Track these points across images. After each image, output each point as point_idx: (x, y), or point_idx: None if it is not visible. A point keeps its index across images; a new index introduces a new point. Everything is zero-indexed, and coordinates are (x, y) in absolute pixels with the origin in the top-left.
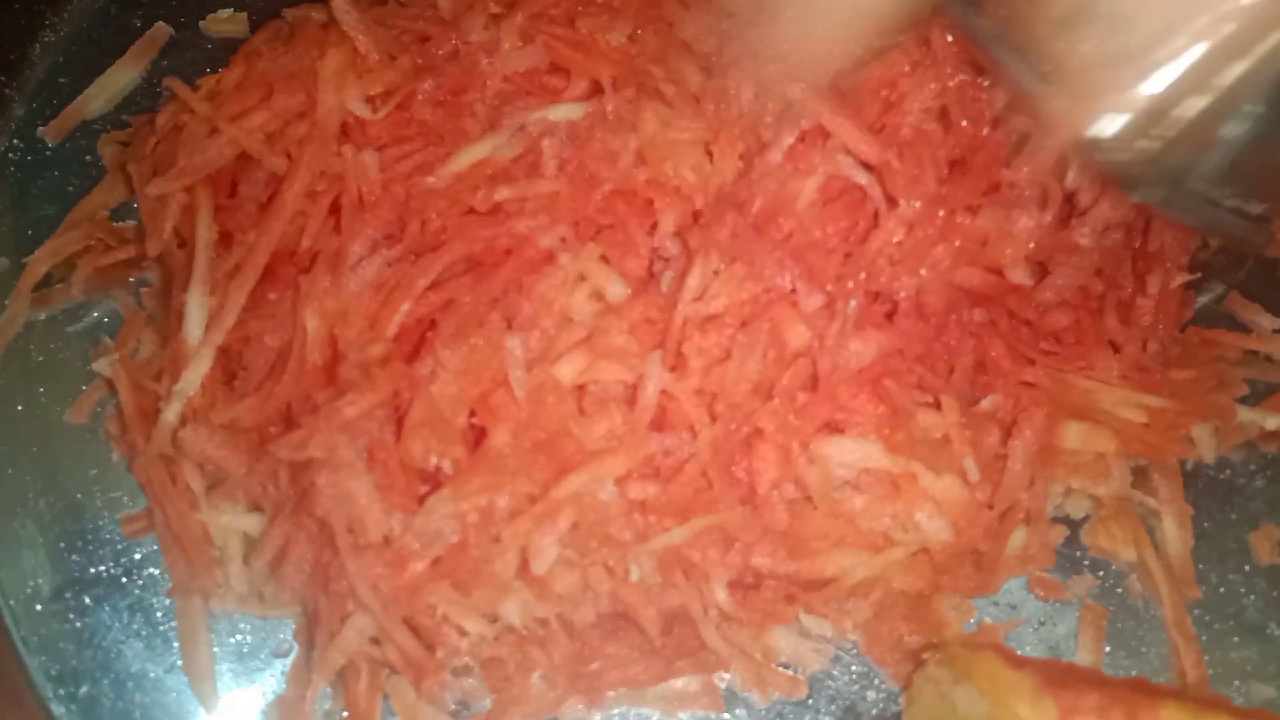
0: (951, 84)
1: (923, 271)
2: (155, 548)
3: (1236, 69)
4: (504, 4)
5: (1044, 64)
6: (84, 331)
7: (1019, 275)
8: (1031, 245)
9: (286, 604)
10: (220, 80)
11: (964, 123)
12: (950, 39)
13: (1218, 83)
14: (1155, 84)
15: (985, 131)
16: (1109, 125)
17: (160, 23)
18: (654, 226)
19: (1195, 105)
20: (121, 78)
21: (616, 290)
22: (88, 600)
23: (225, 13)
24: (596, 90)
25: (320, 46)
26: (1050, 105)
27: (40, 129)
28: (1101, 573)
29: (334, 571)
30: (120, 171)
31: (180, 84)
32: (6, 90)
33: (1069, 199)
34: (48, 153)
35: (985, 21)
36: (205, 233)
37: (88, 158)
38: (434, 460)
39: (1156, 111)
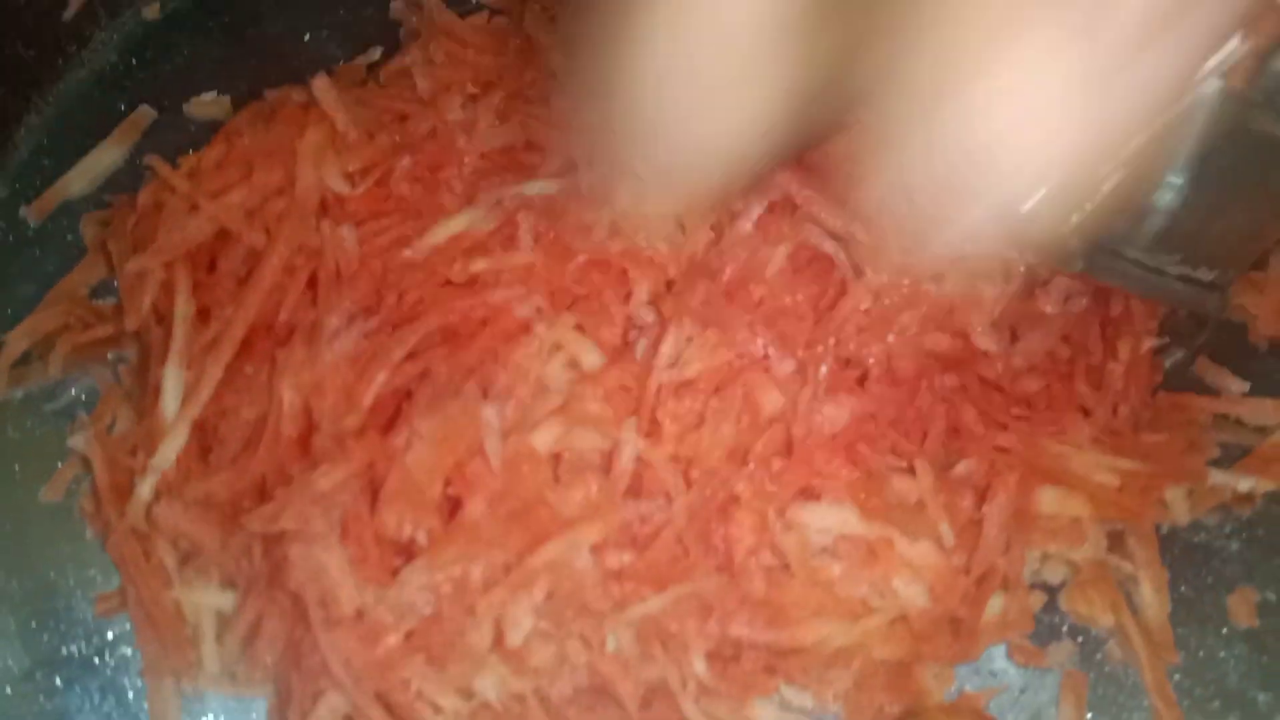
0: None
1: (890, 337)
2: (128, 627)
3: (1134, 141)
4: (481, 84)
5: None
6: (61, 410)
7: (986, 341)
8: (997, 312)
9: (259, 683)
10: (201, 158)
11: None
12: None
13: (1123, 155)
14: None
15: None
16: (1026, 201)
17: (144, 105)
18: (629, 295)
19: (1111, 178)
20: (104, 159)
21: (592, 358)
22: (58, 681)
23: (209, 96)
24: (571, 166)
25: (300, 125)
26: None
27: (23, 209)
28: (1081, 638)
29: (306, 647)
30: (100, 250)
31: (161, 162)
32: None
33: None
34: (29, 233)
35: None
36: (183, 307)
37: (69, 237)
38: (408, 531)
39: (1069, 185)
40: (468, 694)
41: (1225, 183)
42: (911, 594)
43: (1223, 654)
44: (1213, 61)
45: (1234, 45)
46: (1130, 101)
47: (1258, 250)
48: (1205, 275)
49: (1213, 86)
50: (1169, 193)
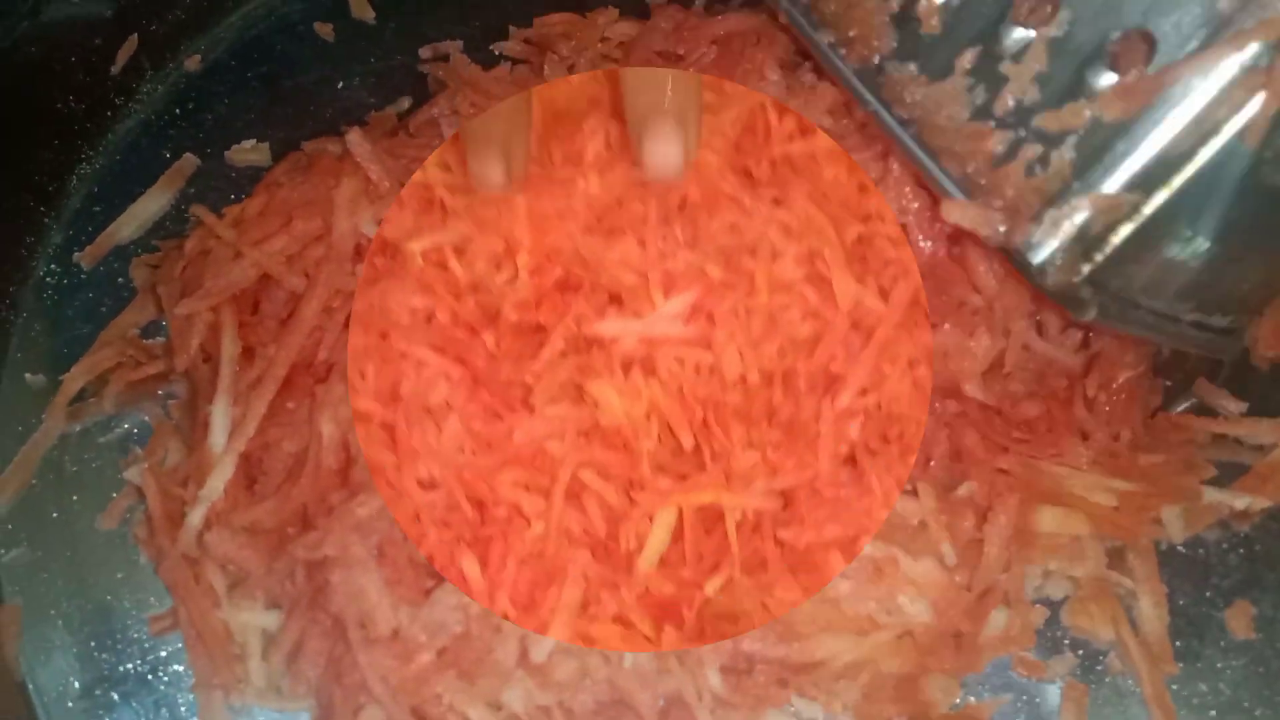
0: (912, 205)
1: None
2: (179, 646)
3: (1158, 198)
4: None
5: (962, 172)
6: (115, 442)
7: (973, 389)
8: (988, 363)
9: (302, 697)
10: (244, 208)
11: (923, 243)
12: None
13: (1144, 210)
14: (1080, 213)
15: (942, 253)
16: (1040, 250)
17: (188, 154)
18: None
19: (1123, 231)
20: (152, 206)
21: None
22: (115, 696)
23: (248, 144)
24: None
25: (336, 176)
26: (968, 214)
27: (76, 254)
28: (1081, 651)
29: (346, 665)
30: (150, 292)
31: (208, 212)
32: (45, 219)
33: None
34: (83, 276)
35: (893, 114)
36: (230, 347)
37: (120, 280)
38: None
39: (1085, 237)
40: (496, 707)
41: (1241, 236)
42: (916, 610)
43: (1220, 665)
44: (1234, 119)
45: (1257, 104)
46: None
47: (1270, 297)
48: (1220, 321)
49: (1231, 146)
50: (1189, 246)
